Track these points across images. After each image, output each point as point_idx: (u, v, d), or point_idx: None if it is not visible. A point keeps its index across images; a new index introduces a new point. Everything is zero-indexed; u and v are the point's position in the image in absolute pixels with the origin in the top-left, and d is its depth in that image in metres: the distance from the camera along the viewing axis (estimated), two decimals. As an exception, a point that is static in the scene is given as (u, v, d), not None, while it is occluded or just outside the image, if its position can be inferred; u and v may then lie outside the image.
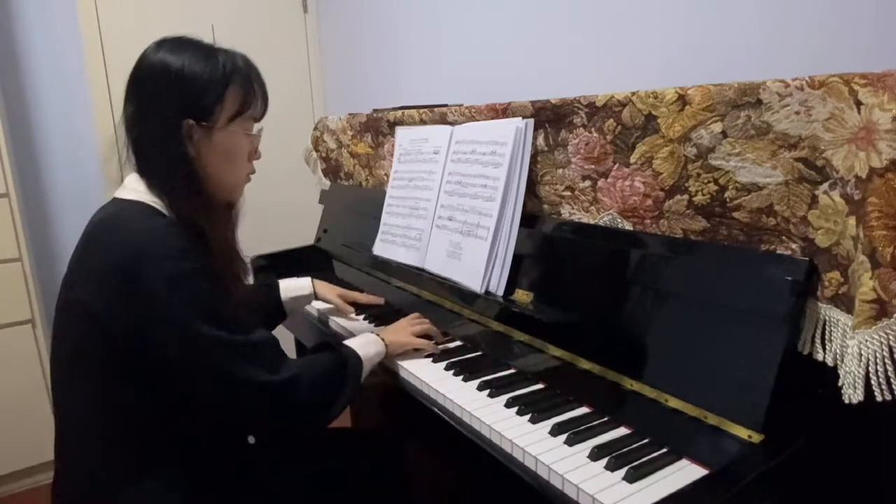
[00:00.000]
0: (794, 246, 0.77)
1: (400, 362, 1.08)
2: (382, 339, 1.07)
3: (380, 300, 1.39)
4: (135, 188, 0.89)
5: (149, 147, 0.89)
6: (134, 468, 0.86)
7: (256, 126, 0.97)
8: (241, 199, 1.03)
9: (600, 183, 1.00)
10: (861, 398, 0.66)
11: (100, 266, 0.83)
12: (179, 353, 0.82)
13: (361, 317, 1.36)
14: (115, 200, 0.90)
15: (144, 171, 0.90)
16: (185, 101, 0.87)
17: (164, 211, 0.88)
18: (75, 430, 0.89)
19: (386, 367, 1.10)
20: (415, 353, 1.12)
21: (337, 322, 1.34)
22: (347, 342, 1.04)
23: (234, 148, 0.93)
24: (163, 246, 0.82)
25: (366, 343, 1.05)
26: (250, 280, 1.36)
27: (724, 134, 0.81)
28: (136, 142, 0.90)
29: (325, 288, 1.38)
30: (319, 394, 0.92)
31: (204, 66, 0.88)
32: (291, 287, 1.36)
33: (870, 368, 0.65)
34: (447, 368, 1.04)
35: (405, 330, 1.13)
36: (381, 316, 1.34)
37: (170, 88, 0.87)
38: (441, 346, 1.13)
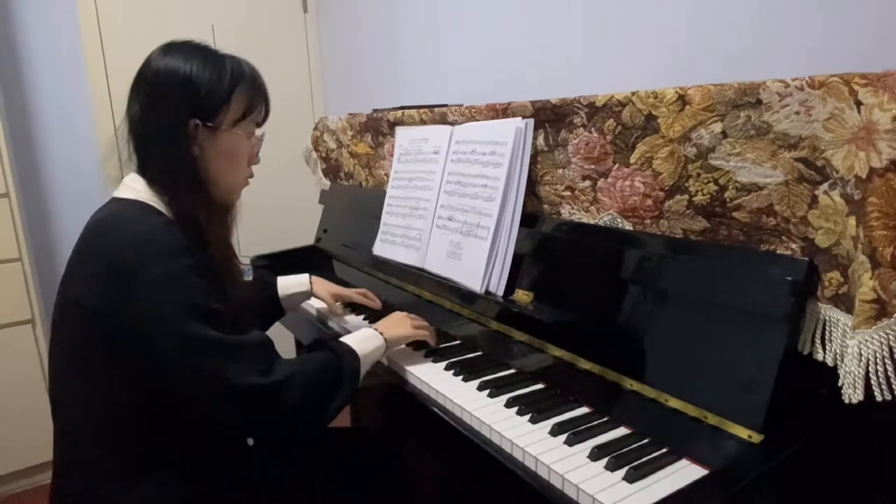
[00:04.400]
0: (794, 246, 0.77)
1: (400, 362, 1.08)
2: (381, 334, 1.06)
3: (377, 304, 1.37)
4: (133, 187, 0.90)
5: (153, 145, 0.90)
6: (133, 469, 0.86)
7: (258, 131, 0.99)
8: (238, 202, 1.03)
9: (600, 183, 1.00)
10: (861, 398, 0.66)
11: (97, 265, 0.83)
12: (172, 352, 0.81)
13: (361, 317, 1.36)
14: (114, 200, 0.91)
15: (146, 169, 0.91)
16: (193, 103, 0.89)
17: (163, 209, 0.88)
18: (73, 431, 0.89)
19: (386, 367, 1.10)
20: (414, 350, 1.12)
21: (335, 321, 1.34)
22: (345, 339, 1.02)
23: (236, 151, 0.95)
24: (158, 244, 0.82)
25: (364, 339, 1.03)
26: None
27: (724, 134, 0.81)
28: (139, 140, 0.91)
29: (321, 286, 1.38)
30: (314, 396, 0.90)
31: (212, 70, 0.90)
32: (289, 284, 1.36)
33: (870, 368, 0.65)
34: (447, 368, 1.04)
35: (403, 322, 1.11)
36: (380, 316, 1.33)
37: (178, 91, 0.88)
38: (442, 346, 1.13)
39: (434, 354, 1.10)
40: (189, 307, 0.81)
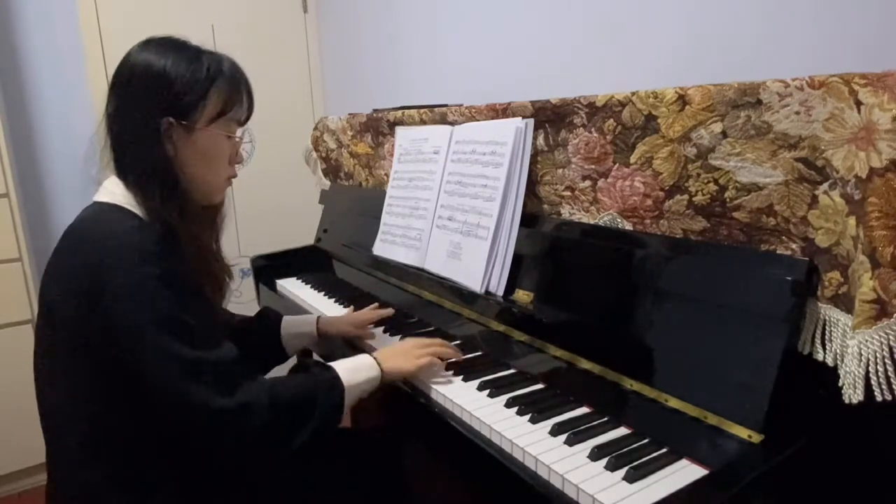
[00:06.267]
0: (794, 246, 0.77)
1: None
2: (379, 364, 0.98)
3: (388, 312, 1.29)
4: (111, 190, 0.88)
5: (127, 144, 0.88)
6: (123, 474, 0.85)
7: (240, 130, 0.97)
8: (224, 202, 1.01)
9: (600, 183, 1.00)
10: (861, 398, 0.66)
11: (69, 269, 0.82)
12: (137, 362, 0.79)
13: (381, 328, 1.28)
14: (93, 204, 0.89)
15: (122, 170, 0.89)
16: (166, 100, 0.86)
17: (139, 212, 0.86)
18: (59, 438, 0.88)
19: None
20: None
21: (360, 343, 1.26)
22: (336, 364, 0.95)
23: (213, 149, 0.92)
24: (128, 249, 0.80)
25: (356, 367, 0.96)
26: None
27: (724, 134, 0.81)
28: (115, 139, 0.89)
29: (332, 324, 1.26)
30: (278, 425, 0.84)
31: (187, 66, 0.87)
32: (293, 323, 1.26)
33: (870, 368, 0.65)
34: (447, 368, 1.04)
35: (409, 354, 1.01)
36: (397, 326, 1.28)
37: (151, 87, 0.86)
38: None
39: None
40: (153, 316, 0.78)
